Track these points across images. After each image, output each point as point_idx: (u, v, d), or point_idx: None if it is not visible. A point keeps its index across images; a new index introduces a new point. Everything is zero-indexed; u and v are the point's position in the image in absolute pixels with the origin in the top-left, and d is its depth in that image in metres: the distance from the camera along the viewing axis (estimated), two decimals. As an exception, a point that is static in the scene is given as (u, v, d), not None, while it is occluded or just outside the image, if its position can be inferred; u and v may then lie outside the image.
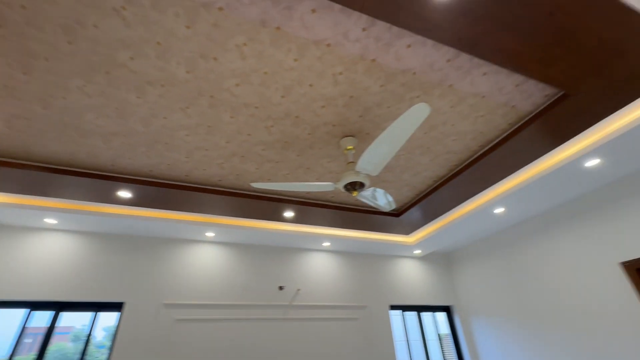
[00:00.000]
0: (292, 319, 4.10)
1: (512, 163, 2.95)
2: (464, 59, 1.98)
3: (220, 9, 1.65)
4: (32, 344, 3.15)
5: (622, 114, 2.38)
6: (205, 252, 4.12)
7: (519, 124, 2.54)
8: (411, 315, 4.91)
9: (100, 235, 3.73)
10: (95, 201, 3.24)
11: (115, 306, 3.50)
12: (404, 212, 3.89)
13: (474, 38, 1.73)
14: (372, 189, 2.61)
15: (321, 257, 4.71)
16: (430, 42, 1.87)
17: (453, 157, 2.95)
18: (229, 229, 3.82)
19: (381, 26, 1.76)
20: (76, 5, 1.60)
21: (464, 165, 3.05)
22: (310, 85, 2.12)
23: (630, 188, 3.20)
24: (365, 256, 4.99)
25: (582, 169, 2.98)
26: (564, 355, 3.54)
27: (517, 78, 2.13)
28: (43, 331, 3.20)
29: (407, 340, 4.66)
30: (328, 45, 1.86)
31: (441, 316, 5.13)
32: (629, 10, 1.65)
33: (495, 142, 2.74)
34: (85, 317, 3.42)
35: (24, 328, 3.15)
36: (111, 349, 3.25)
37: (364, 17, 1.72)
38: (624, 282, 3.18)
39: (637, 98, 2.24)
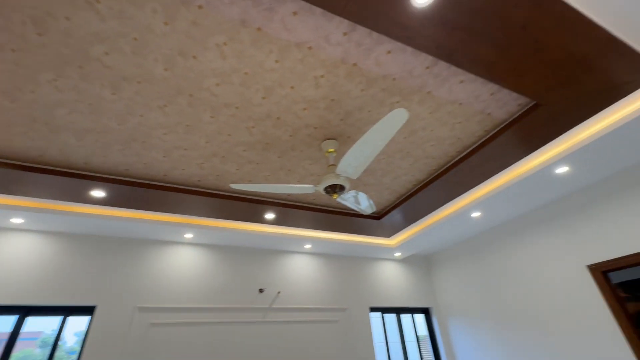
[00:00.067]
0: (272, 321, 4.06)
1: (488, 169, 3.05)
2: (442, 66, 2.03)
3: (200, 7, 1.62)
4: (-7, 350, 2.97)
5: (589, 124, 2.51)
6: (184, 253, 4.02)
7: (494, 131, 2.62)
8: (391, 317, 4.97)
9: (71, 236, 3.57)
10: (66, 200, 3.10)
11: (86, 310, 3.36)
12: (384, 215, 3.94)
13: (451, 47, 1.78)
14: (352, 191, 2.63)
15: (302, 259, 4.69)
16: (409, 49, 1.90)
17: (432, 161, 3.02)
18: (208, 230, 3.75)
19: (362, 31, 1.78)
20: (46, -4, 1.54)
21: (442, 170, 3.12)
22: (292, 87, 2.12)
23: (597, 195, 3.37)
24: (346, 258, 5.02)
25: (553, 175, 3.11)
26: (535, 354, 3.67)
27: (492, 87, 2.21)
28: (6, 337, 3.03)
29: (387, 342, 4.70)
30: (309, 48, 1.87)
31: (420, 318, 5.21)
32: (596, 27, 1.75)
33: (471, 148, 2.83)
34: (55, 321, 3.27)
35: (-16, 334, 2.97)
36: (80, 354, 3.12)
37: (345, 21, 1.73)
38: (591, 284, 3.34)
39: (602, 110, 2.36)
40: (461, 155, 2.93)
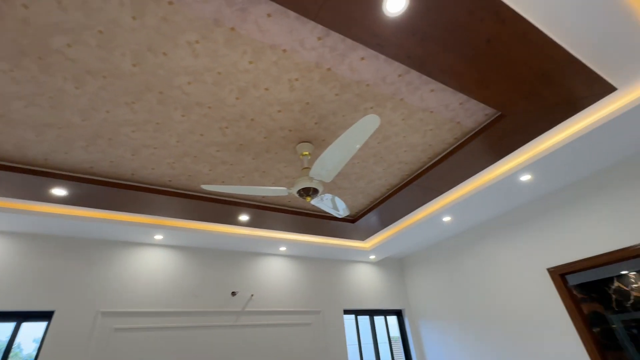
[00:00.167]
0: (244, 325, 4.00)
1: (458, 175, 3.16)
2: (414, 75, 2.09)
3: (170, 2, 1.58)
4: None
5: (549, 136, 2.66)
6: (153, 255, 3.88)
7: (463, 139, 2.73)
8: (364, 319, 5.02)
9: (27, 237, 3.36)
10: (24, 199, 2.91)
11: (44, 315, 3.16)
12: (359, 219, 3.98)
13: (421, 57, 1.84)
14: (326, 195, 2.64)
15: (277, 261, 4.66)
16: (382, 56, 1.94)
17: (405, 167, 3.09)
18: (179, 231, 3.64)
19: (335, 37, 1.80)
20: (1, -19, 1.44)
21: (414, 175, 3.20)
22: (266, 89, 2.10)
23: (556, 202, 3.58)
24: (321, 261, 5.02)
25: (518, 183, 3.27)
26: (500, 353, 3.83)
27: (461, 97, 2.29)
28: (-51, 345, 2.80)
29: (359, 344, 4.75)
30: (284, 50, 1.86)
31: (393, 319, 5.30)
32: (556, 46, 1.86)
33: (442, 154, 2.92)
34: (8, 328, 3.05)
35: None
36: (35, 363, 2.93)
37: (319, 26, 1.74)
38: (550, 286, 3.53)
39: (561, 122, 2.51)
40: (432, 162, 3.02)
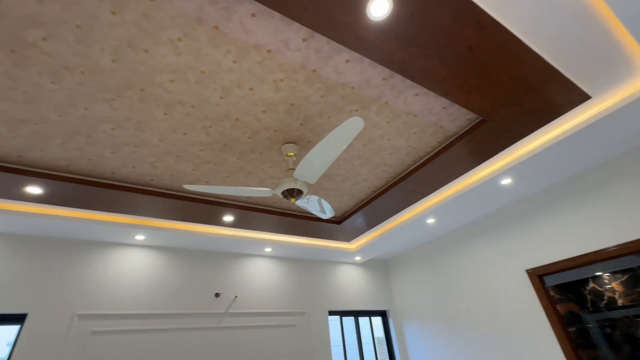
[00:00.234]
0: (228, 327, 3.95)
1: (441, 178, 3.21)
2: (398, 79, 2.11)
3: (152, -1, 1.55)
4: None
5: (528, 141, 2.74)
6: (134, 256, 3.79)
7: (446, 143, 2.77)
8: (349, 320, 5.04)
9: (1, 236, 3.22)
10: (-4, 196, 2.80)
11: (17, 318, 3.04)
12: (344, 220, 3.99)
13: (405, 61, 1.86)
14: (311, 196, 2.64)
15: (262, 262, 4.62)
16: (367, 60, 1.96)
17: (389, 169, 3.12)
18: (161, 231, 3.57)
19: (321, 39, 1.80)
20: (-29, -30, 1.38)
21: (399, 177, 3.23)
22: (251, 89, 2.09)
23: (535, 205, 3.68)
24: (307, 262, 5.02)
25: (499, 186, 3.35)
26: (480, 353, 3.91)
27: (444, 101, 2.33)
28: None
29: (344, 345, 4.76)
30: (269, 51, 1.85)
31: (377, 320, 5.34)
32: (534, 54, 1.91)
33: (426, 157, 2.96)
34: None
35: None
36: (5, 368, 2.81)
37: (304, 28, 1.74)
38: (529, 287, 3.63)
39: (539, 128, 2.58)
40: (417, 164, 3.06)
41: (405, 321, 5.13)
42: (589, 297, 5.21)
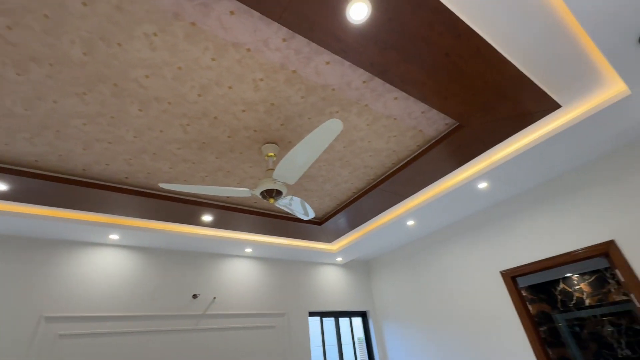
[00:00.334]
0: (206, 329, 3.87)
1: (420, 181, 3.27)
2: (378, 82, 2.13)
3: (125, -9, 1.50)
4: None
5: (503, 146, 2.83)
6: (107, 256, 3.66)
7: (425, 147, 2.82)
8: (329, 321, 5.05)
9: (-38, 234, 3.04)
10: (-45, 192, 2.64)
11: (-24, 321, 2.87)
12: (326, 221, 4.00)
13: (384, 65, 1.88)
14: (290, 197, 2.63)
15: (242, 263, 4.56)
16: (347, 62, 1.97)
17: (370, 171, 3.15)
18: (137, 231, 3.46)
19: (301, 40, 1.80)
20: None
21: (379, 179, 3.27)
22: (230, 87, 2.06)
23: (510, 209, 3.81)
24: (288, 263, 4.99)
25: (475, 190, 3.44)
26: (457, 353, 4.00)
27: (423, 106, 2.38)
28: None
29: (324, 346, 4.76)
30: (248, 49, 1.83)
31: (357, 321, 5.38)
32: (508, 63, 1.97)
33: (405, 160, 3.01)
34: None
35: None
36: (-38, 374, 2.65)
37: (284, 28, 1.73)
38: (503, 288, 3.74)
39: (514, 134, 2.67)
40: (396, 167, 3.10)
41: (385, 322, 5.19)
42: (559, 297, 5.43)
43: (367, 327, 5.32)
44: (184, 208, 3.29)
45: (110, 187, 2.87)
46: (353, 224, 4.20)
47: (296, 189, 3.35)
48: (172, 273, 3.96)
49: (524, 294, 5.69)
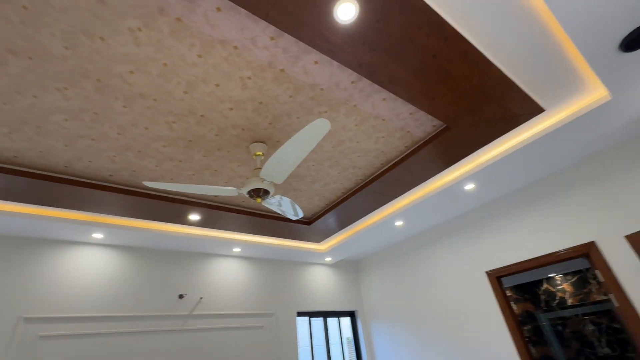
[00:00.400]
0: (192, 329, 3.83)
1: (409, 181, 3.29)
2: (366, 83, 2.14)
3: (108, -15, 1.47)
4: None
5: (489, 148, 2.87)
6: (91, 256, 3.58)
7: (413, 148, 2.85)
8: (318, 321, 5.04)
9: (-64, 232, 2.93)
10: None
11: (-50, 323, 2.77)
12: (315, 221, 3.99)
13: (372, 65, 1.89)
14: (278, 196, 2.61)
15: (229, 263, 4.52)
16: (336, 62, 1.96)
17: (359, 171, 3.16)
18: (121, 230, 3.39)
19: (289, 38, 1.79)
20: None
21: (368, 180, 3.28)
22: (217, 85, 2.03)
23: (496, 210, 3.87)
24: (276, 263, 4.97)
25: (462, 191, 3.48)
26: (441, 352, 4.05)
27: (411, 107, 2.39)
28: None
29: (312, 346, 4.76)
30: (235, 47, 1.81)
31: (346, 321, 5.39)
32: (493, 66, 2.00)
33: (394, 161, 3.03)
34: None
35: None
36: None
37: (272, 26, 1.72)
38: (488, 287, 3.80)
39: (499, 137, 2.71)
40: (385, 168, 3.11)
41: (373, 321, 5.22)
42: (542, 297, 5.55)
43: (355, 327, 5.34)
44: (171, 207, 3.24)
45: (94, 184, 2.80)
46: (342, 224, 4.20)
47: (285, 189, 3.33)
48: (157, 273, 3.89)
49: (509, 294, 5.80)
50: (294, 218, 2.94)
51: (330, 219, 3.98)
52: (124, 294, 3.58)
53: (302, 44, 1.82)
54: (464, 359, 3.80)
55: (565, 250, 3.24)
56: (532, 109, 2.40)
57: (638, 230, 2.70)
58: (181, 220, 3.54)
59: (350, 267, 5.80)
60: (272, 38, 1.78)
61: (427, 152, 2.84)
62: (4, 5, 1.49)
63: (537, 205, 3.53)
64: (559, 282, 5.40)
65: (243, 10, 1.63)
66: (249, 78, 2.01)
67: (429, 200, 3.55)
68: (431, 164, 3.03)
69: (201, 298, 4.04)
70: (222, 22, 1.67)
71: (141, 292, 3.69)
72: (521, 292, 5.75)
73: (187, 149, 2.56)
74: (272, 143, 2.60)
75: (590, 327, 4.97)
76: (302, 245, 4.67)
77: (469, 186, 3.38)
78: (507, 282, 5.81)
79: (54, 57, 1.75)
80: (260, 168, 2.41)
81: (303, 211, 3.86)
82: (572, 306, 5.19)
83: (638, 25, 1.73)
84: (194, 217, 3.50)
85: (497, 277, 3.76)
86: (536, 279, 5.60)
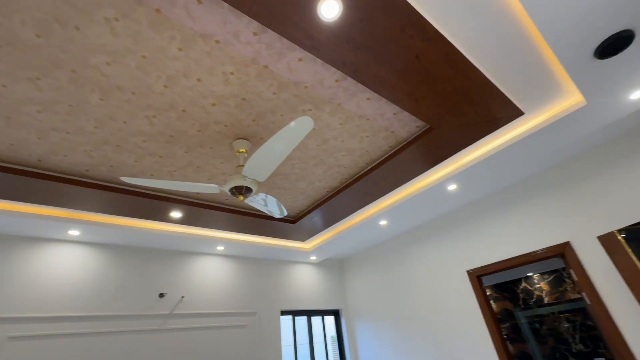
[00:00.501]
0: (172, 329, 3.75)
1: (393, 181, 3.32)
2: (351, 82, 2.14)
3: (82, -29, 1.41)
4: None
5: (471, 149, 2.92)
6: (66, 253, 3.45)
7: (397, 148, 2.87)
8: (302, 320, 5.04)
9: None
10: None
11: None
12: (299, 219, 3.98)
13: (356, 64, 1.89)
14: (262, 194, 2.59)
15: (212, 261, 4.46)
16: (320, 60, 1.95)
17: (344, 170, 3.16)
18: (99, 227, 3.29)
19: (272, 35, 1.77)
20: None
21: (353, 179, 3.29)
22: (198, 79, 1.99)
23: (477, 210, 3.95)
24: (261, 261, 4.93)
25: (445, 192, 3.54)
26: (424, 351, 4.11)
27: (395, 107, 2.41)
28: None
29: (295, 345, 4.75)
30: (217, 41, 1.78)
31: (330, 319, 5.40)
32: (475, 69, 2.03)
33: (378, 161, 3.04)
34: None
35: None
36: None
37: (255, 22, 1.69)
38: (469, 286, 3.88)
39: (481, 138, 2.76)
40: (369, 167, 3.13)
41: (357, 320, 5.25)
42: (521, 295, 5.71)
43: (339, 326, 5.36)
44: (151, 204, 3.16)
45: (70, 179, 2.71)
46: (327, 223, 4.20)
47: (269, 187, 3.30)
48: (137, 271, 3.80)
49: (489, 293, 5.95)
50: (277, 216, 2.92)
51: (315, 217, 3.97)
52: (101, 293, 3.48)
53: (286, 40, 1.81)
54: (444, 357, 3.87)
55: (542, 250, 3.34)
56: (512, 112, 2.46)
57: (609, 231, 2.80)
58: (162, 217, 3.46)
59: (335, 265, 5.81)
60: (255, 33, 1.75)
61: (410, 153, 2.86)
62: (-31, -12, 1.42)
63: (515, 206, 3.62)
64: (536, 281, 5.57)
65: (225, 4, 1.60)
66: (232, 73, 1.98)
67: (412, 200, 3.59)
68: (415, 164, 3.06)
69: (182, 297, 3.97)
70: (204, 15, 1.63)
71: (119, 291, 3.59)
72: (500, 290, 5.90)
73: (168, 144, 2.50)
74: (255, 140, 2.57)
75: (566, 325, 5.15)
76: (287, 244, 4.65)
77: (452, 187, 3.43)
78: (487, 281, 5.95)
79: (24, 45, 1.67)
80: (243, 165, 2.38)
81: (288, 209, 3.84)
82: (549, 304, 5.36)
83: (612, 34, 1.79)
84: (176, 214, 3.43)
85: (477, 276, 3.84)
86: (515, 278, 5.75)
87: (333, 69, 2.03)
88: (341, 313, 5.41)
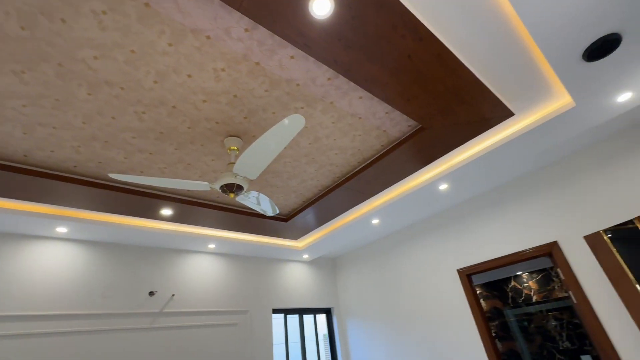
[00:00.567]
0: (162, 327, 3.72)
1: (385, 180, 3.33)
2: (343, 80, 2.13)
3: (69, -37, 1.38)
4: None
5: (462, 150, 2.94)
6: (54, 251, 3.40)
7: (389, 147, 2.88)
8: (293, 318, 5.04)
9: None
10: None
11: None
12: (291, 218, 3.97)
13: (348, 63, 1.88)
14: (253, 192, 2.57)
15: (204, 259, 4.43)
16: (312, 58, 1.95)
17: (336, 169, 3.16)
18: (87, 224, 3.24)
19: (264, 31, 1.75)
20: None
21: (345, 178, 3.29)
22: (189, 75, 1.97)
23: (467, 210, 3.99)
24: (253, 260, 4.91)
25: (436, 191, 3.56)
26: (414, 348, 4.14)
27: (387, 106, 2.41)
28: None
29: (287, 343, 4.75)
30: (208, 37, 1.76)
31: (322, 318, 5.41)
32: (466, 69, 2.05)
33: (370, 160, 3.05)
34: None
35: None
36: None
37: (247, 18, 1.68)
38: (459, 285, 3.92)
39: (471, 138, 2.79)
40: (361, 166, 3.13)
41: (349, 318, 5.27)
42: (510, 294, 5.80)
43: (331, 324, 5.37)
44: (141, 201, 3.13)
45: (57, 175, 2.66)
46: (319, 222, 4.20)
47: (261, 185, 3.29)
48: (126, 269, 3.75)
49: (478, 291, 6.02)
50: (269, 214, 2.91)
51: (307, 216, 3.97)
52: (90, 291, 3.43)
53: (277, 37, 1.79)
54: (434, 355, 3.91)
55: (531, 249, 3.39)
56: (502, 113, 2.48)
57: (595, 231, 2.86)
58: (153, 215, 3.42)
59: (327, 264, 5.82)
60: (246, 30, 1.74)
61: (402, 152, 2.88)
62: (-51, -23, 1.37)
63: (505, 206, 3.67)
64: (525, 280, 5.65)
65: (216, 0, 1.58)
66: (223, 70, 1.96)
67: (404, 199, 3.61)
68: (406, 164, 3.08)
69: (173, 295, 3.93)
70: (194, 10, 1.61)
71: (109, 289, 3.55)
72: (490, 289, 5.98)
73: (158, 141, 2.47)
74: (247, 138, 2.55)
75: (553, 323, 5.24)
76: (279, 242, 4.64)
77: (443, 186, 3.46)
78: (477, 279, 6.02)
79: (8, 37, 1.63)
80: (234, 163, 2.36)
81: (280, 208, 3.83)
82: (537, 303, 5.45)
83: (599, 36, 1.82)
84: (166, 212, 3.39)
85: (467, 275, 3.88)
86: (504, 276, 5.83)
87: (325, 67, 2.02)
88: (333, 311, 5.43)
